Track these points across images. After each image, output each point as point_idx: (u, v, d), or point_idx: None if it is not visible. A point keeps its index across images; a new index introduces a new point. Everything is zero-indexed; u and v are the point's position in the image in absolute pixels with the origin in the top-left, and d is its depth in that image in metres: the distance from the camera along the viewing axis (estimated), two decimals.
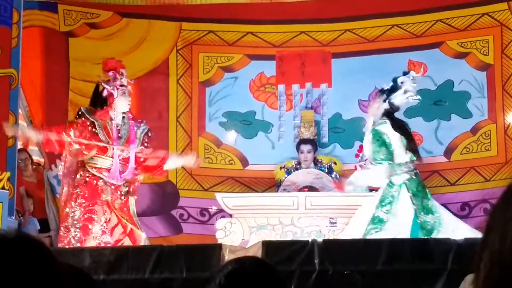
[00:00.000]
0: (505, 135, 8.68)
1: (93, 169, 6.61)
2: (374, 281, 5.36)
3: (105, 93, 6.69)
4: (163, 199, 8.80)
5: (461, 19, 8.87)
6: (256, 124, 9.10)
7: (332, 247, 5.58)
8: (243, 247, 6.11)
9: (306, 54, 9.12)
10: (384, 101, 6.71)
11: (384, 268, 5.36)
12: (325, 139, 8.96)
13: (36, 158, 9.07)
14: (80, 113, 6.66)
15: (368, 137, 6.75)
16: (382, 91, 6.83)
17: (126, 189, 6.72)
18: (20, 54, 7.80)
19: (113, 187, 6.61)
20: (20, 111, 8.07)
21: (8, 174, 7.46)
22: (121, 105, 6.62)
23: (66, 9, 8.98)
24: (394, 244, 5.60)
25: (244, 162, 9.03)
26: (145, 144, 6.84)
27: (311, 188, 8.03)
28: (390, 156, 6.57)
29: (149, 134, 6.89)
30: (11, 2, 7.70)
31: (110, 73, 6.63)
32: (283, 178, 8.39)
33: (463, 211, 8.62)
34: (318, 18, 9.07)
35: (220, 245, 5.79)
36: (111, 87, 6.57)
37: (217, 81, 9.15)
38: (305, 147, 8.47)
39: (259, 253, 5.38)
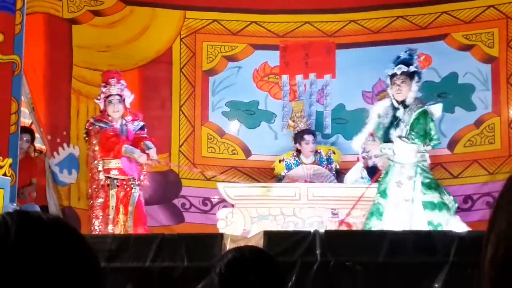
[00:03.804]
0: (509, 129, 8.64)
1: (103, 170, 7.38)
2: (376, 273, 5.35)
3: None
4: (165, 188, 8.79)
5: (467, 11, 8.83)
6: (259, 114, 9.08)
7: (333, 238, 5.57)
8: (244, 237, 6.11)
9: (310, 45, 9.08)
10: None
11: (386, 260, 5.35)
12: (328, 130, 8.94)
13: (38, 145, 9.06)
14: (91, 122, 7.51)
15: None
16: (413, 73, 6.68)
17: (134, 182, 7.39)
18: (23, 41, 7.78)
19: (124, 182, 7.33)
20: (22, 98, 8.05)
21: (10, 160, 7.44)
22: (112, 113, 7.36)
23: None
24: (396, 236, 5.59)
25: (247, 152, 9.01)
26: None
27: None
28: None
29: (145, 129, 7.57)
30: None
31: (102, 86, 7.47)
32: (283, 172, 8.34)
33: (465, 204, 8.60)
34: (323, 8, 9.03)
35: (222, 234, 5.78)
36: (100, 100, 7.42)
37: (220, 70, 9.12)
38: (310, 137, 8.40)
39: (260, 243, 5.38)
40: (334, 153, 8.47)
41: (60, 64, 8.87)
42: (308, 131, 8.51)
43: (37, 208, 8.10)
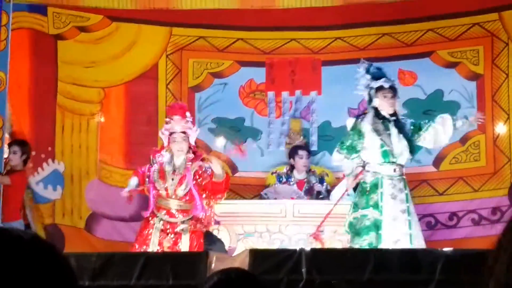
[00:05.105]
0: (494, 146, 8.68)
1: (154, 208, 6.81)
2: None
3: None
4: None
5: (452, 29, 8.87)
6: (245, 130, 9.07)
7: (319, 256, 5.55)
8: (230, 255, 6.08)
9: (296, 62, 9.09)
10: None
11: (372, 278, 5.33)
12: (314, 147, 8.93)
13: None
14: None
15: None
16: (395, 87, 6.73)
17: (183, 227, 6.74)
18: (9, 57, 7.76)
19: (168, 226, 6.71)
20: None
21: None
22: (176, 152, 6.77)
23: (55, 12, 8.92)
24: (382, 254, 5.58)
25: (233, 168, 8.99)
26: (198, 179, 6.79)
27: None
28: None
29: (203, 168, 6.79)
30: (0, 4, 7.66)
31: (166, 120, 6.90)
32: (274, 184, 8.37)
33: (451, 221, 8.62)
34: (309, 25, 9.05)
35: (207, 252, 5.74)
36: (164, 135, 6.83)
37: (206, 87, 9.12)
38: (304, 153, 8.43)
39: (246, 261, 5.34)
40: (327, 175, 8.48)
41: (45, 79, 8.85)
42: (302, 147, 8.56)
43: (22, 226, 8.02)
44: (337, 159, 6.87)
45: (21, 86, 8.72)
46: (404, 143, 6.58)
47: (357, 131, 6.72)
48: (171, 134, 6.76)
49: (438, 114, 8.37)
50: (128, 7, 9.03)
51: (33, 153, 8.54)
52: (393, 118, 6.62)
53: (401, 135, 6.60)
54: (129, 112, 9.01)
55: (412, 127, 6.65)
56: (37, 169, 8.65)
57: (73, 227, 8.74)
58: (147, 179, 6.78)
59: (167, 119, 6.84)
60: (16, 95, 8.63)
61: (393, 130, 6.63)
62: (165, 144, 6.79)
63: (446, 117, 6.72)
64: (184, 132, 6.75)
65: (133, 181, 6.81)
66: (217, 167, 6.60)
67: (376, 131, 6.65)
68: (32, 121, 8.77)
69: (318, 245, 6.82)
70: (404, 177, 6.64)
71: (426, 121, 6.74)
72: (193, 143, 6.88)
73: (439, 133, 6.66)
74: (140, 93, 9.02)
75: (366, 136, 6.67)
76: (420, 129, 6.65)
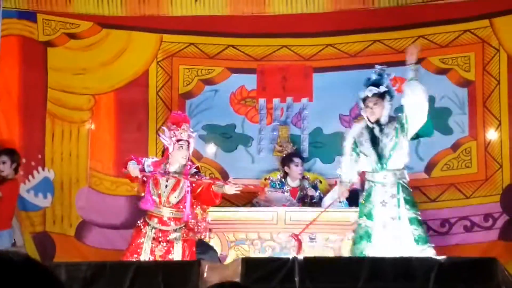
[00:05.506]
0: (486, 152, 8.68)
1: (146, 216, 6.78)
2: None
3: (163, 143, 6.92)
4: (142, 212, 8.69)
5: (443, 36, 8.88)
6: (236, 137, 9.06)
7: (313, 264, 5.51)
8: (222, 264, 6.04)
9: (287, 68, 9.09)
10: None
11: (366, 287, 5.30)
12: (305, 154, 8.92)
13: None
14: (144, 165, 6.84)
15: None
16: (384, 93, 6.65)
17: (176, 235, 6.67)
18: None
19: (160, 234, 6.63)
20: None
21: None
22: (176, 159, 6.70)
23: (45, 18, 8.89)
24: (375, 262, 5.55)
25: (224, 175, 8.96)
26: (193, 185, 6.73)
27: None
28: None
29: (198, 175, 6.75)
30: None
31: (172, 127, 6.77)
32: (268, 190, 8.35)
33: (443, 228, 8.61)
34: (300, 32, 9.05)
35: (199, 261, 5.70)
36: (168, 142, 6.72)
37: (197, 94, 9.10)
38: (299, 160, 8.41)
39: (238, 270, 5.31)
40: (320, 182, 8.46)
41: (35, 86, 8.81)
42: (296, 154, 8.54)
43: (11, 234, 7.97)
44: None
45: (10, 93, 8.69)
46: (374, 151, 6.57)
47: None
48: (178, 141, 6.71)
49: (430, 121, 8.37)
50: (118, 14, 9.00)
51: (24, 160, 8.50)
52: (373, 126, 6.59)
53: (385, 140, 6.57)
54: (119, 119, 8.97)
55: (398, 125, 6.60)
56: (28, 176, 8.61)
57: (63, 234, 8.70)
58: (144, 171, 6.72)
59: (173, 126, 6.74)
60: (6, 102, 8.59)
61: (378, 138, 6.61)
62: (171, 150, 6.69)
63: (404, 86, 6.66)
64: (187, 141, 6.74)
65: (133, 163, 6.74)
66: (230, 190, 6.59)
67: (358, 141, 6.65)
68: (21, 128, 8.73)
69: (296, 244, 6.81)
70: (401, 181, 6.56)
71: (400, 113, 6.67)
72: (190, 153, 6.85)
73: (413, 99, 6.57)
74: (130, 100, 8.99)
75: (347, 147, 6.71)
76: (402, 124, 6.61)
